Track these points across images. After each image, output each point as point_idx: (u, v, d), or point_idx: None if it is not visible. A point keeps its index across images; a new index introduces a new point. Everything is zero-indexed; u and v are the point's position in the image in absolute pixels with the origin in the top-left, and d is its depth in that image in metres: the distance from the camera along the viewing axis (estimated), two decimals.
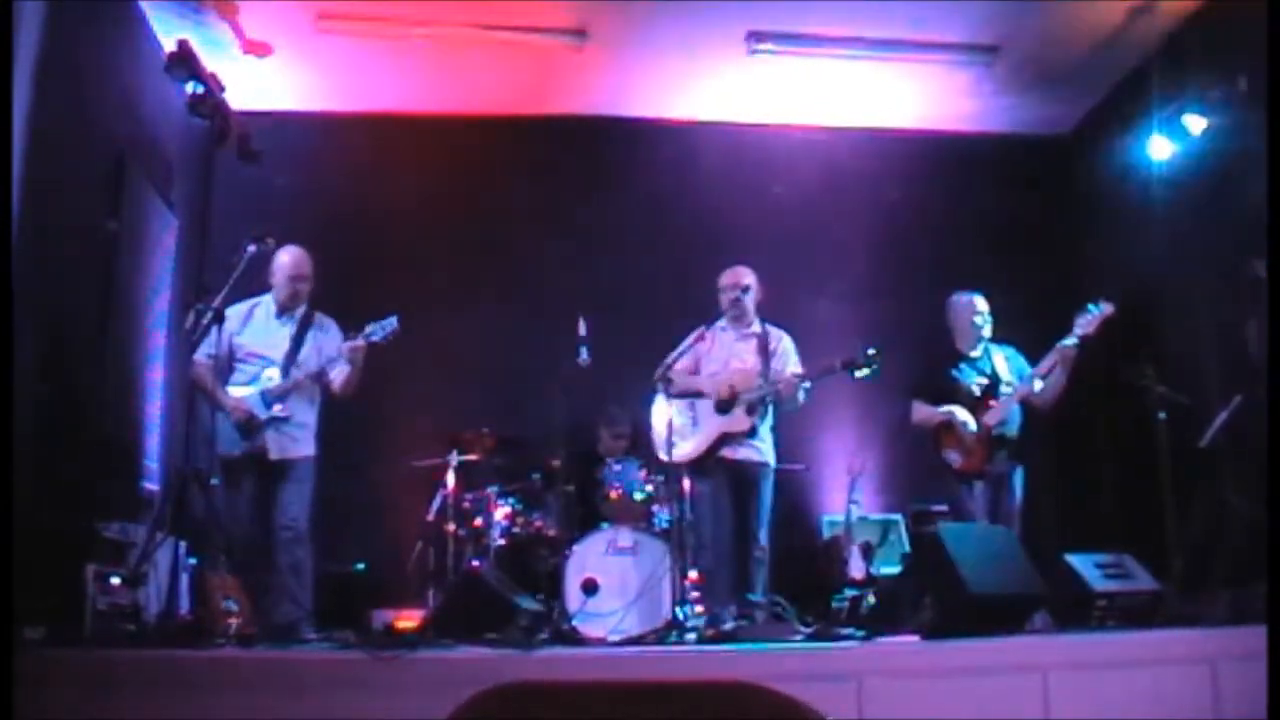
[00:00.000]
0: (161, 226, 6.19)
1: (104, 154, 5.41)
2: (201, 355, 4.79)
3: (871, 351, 4.86)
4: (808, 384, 5.08)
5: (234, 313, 4.89)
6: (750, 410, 5.14)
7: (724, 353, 5.25)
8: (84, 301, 5.15)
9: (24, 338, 3.88)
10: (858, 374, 4.88)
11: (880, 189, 7.38)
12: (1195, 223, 6.10)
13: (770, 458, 5.28)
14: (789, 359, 5.28)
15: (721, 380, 5.18)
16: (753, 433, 5.18)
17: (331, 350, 5.00)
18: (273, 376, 4.90)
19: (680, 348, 5.12)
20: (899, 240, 7.25)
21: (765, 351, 5.29)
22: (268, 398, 4.84)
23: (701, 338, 5.15)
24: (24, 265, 3.77)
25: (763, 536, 5.17)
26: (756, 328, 5.38)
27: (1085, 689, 3.38)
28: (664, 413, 5.03)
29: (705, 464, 5.11)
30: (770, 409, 5.26)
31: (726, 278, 5.39)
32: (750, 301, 5.30)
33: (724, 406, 5.13)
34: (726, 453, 5.15)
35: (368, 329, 4.91)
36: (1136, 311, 6.15)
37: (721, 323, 5.27)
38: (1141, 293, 6.47)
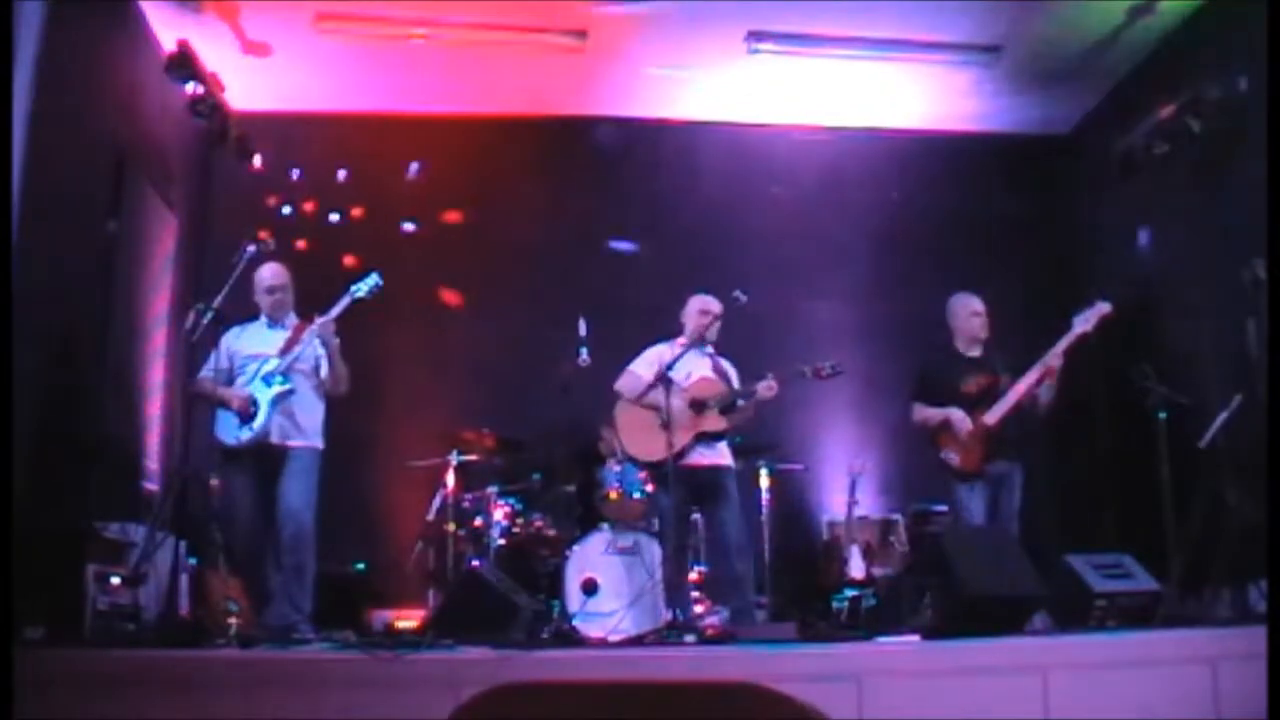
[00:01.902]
0: (161, 226, 6.20)
1: (104, 154, 5.41)
2: (204, 373, 4.83)
3: (834, 364, 5.30)
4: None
5: (230, 333, 4.95)
6: (723, 411, 5.25)
7: (685, 366, 5.31)
8: (84, 301, 5.15)
9: (24, 338, 3.88)
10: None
11: (880, 189, 7.39)
12: (1195, 222, 6.10)
13: (730, 460, 5.39)
14: (735, 384, 5.42)
15: (688, 389, 5.23)
16: (724, 434, 5.28)
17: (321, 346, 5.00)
18: (273, 364, 4.90)
19: (646, 359, 5.31)
20: (899, 240, 7.26)
21: (720, 372, 5.43)
22: (268, 379, 4.84)
23: (668, 348, 5.32)
24: (24, 265, 3.77)
25: (739, 534, 5.20)
26: (710, 351, 5.50)
27: (1085, 689, 3.38)
28: (631, 417, 5.22)
29: (669, 472, 5.11)
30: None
31: (699, 304, 5.49)
32: (715, 331, 5.43)
33: (697, 407, 5.19)
34: (694, 459, 5.20)
35: (351, 288, 4.91)
36: (1136, 311, 6.16)
37: (681, 338, 5.40)
38: (1141, 292, 6.48)
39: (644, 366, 5.33)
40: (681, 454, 5.15)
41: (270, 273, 5.08)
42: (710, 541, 5.40)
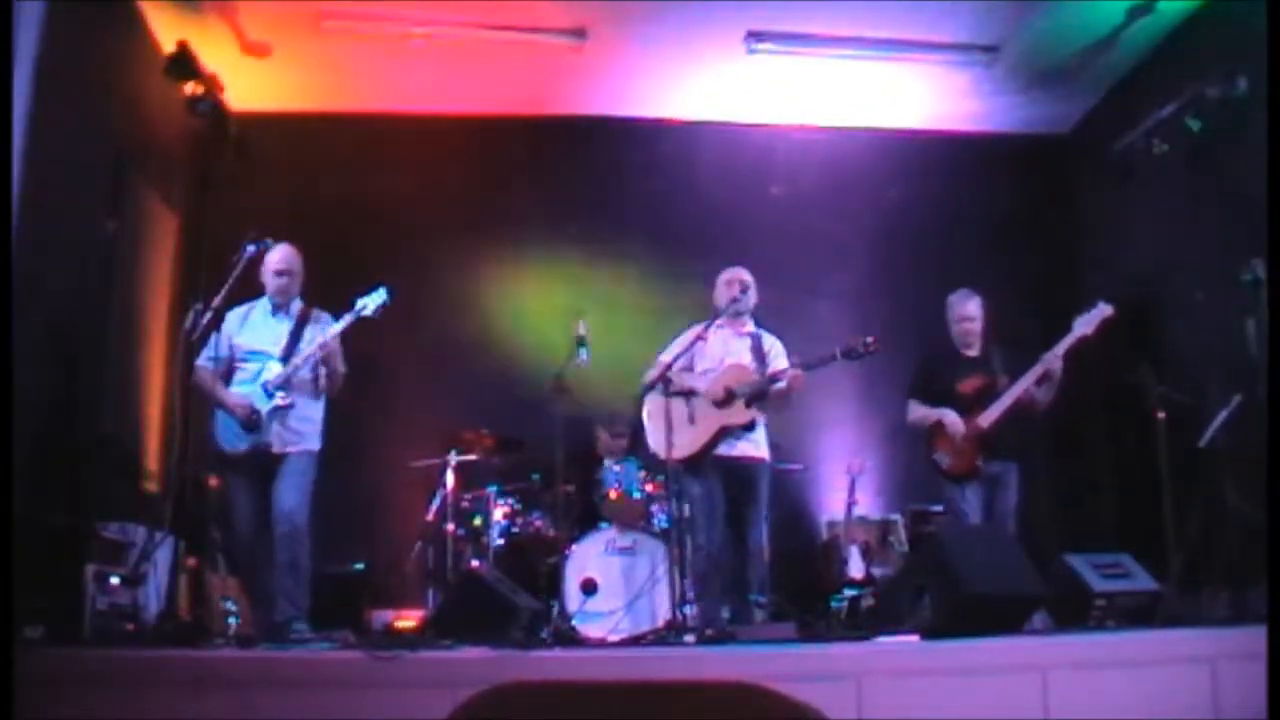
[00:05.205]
0: (161, 226, 6.20)
1: (104, 154, 5.41)
2: (203, 360, 4.79)
3: (870, 340, 4.88)
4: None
5: (232, 316, 4.89)
6: (749, 403, 5.08)
7: (720, 350, 5.21)
8: (84, 301, 5.14)
9: (24, 337, 3.88)
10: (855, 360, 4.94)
11: (880, 189, 7.39)
12: (1195, 222, 6.10)
13: (766, 453, 5.23)
14: (780, 363, 5.22)
15: (716, 378, 5.14)
16: (751, 426, 5.11)
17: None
18: (273, 369, 4.88)
19: (675, 345, 5.09)
20: (898, 240, 7.26)
21: (759, 352, 5.26)
22: (269, 389, 4.82)
23: (700, 337, 5.08)
24: (24, 265, 3.77)
25: (761, 536, 5.15)
26: (751, 328, 5.35)
27: (1084, 689, 3.37)
28: (659, 409, 4.84)
29: (701, 463, 5.06)
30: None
31: (726, 275, 5.34)
32: (750, 300, 5.27)
33: (723, 400, 5.09)
34: (724, 450, 5.09)
35: (358, 304, 4.88)
36: (1136, 311, 6.15)
37: (719, 320, 5.19)
38: (1141, 292, 6.48)
39: (671, 354, 5.08)
40: (707, 450, 5.04)
41: (280, 256, 4.99)
42: (721, 539, 5.18)
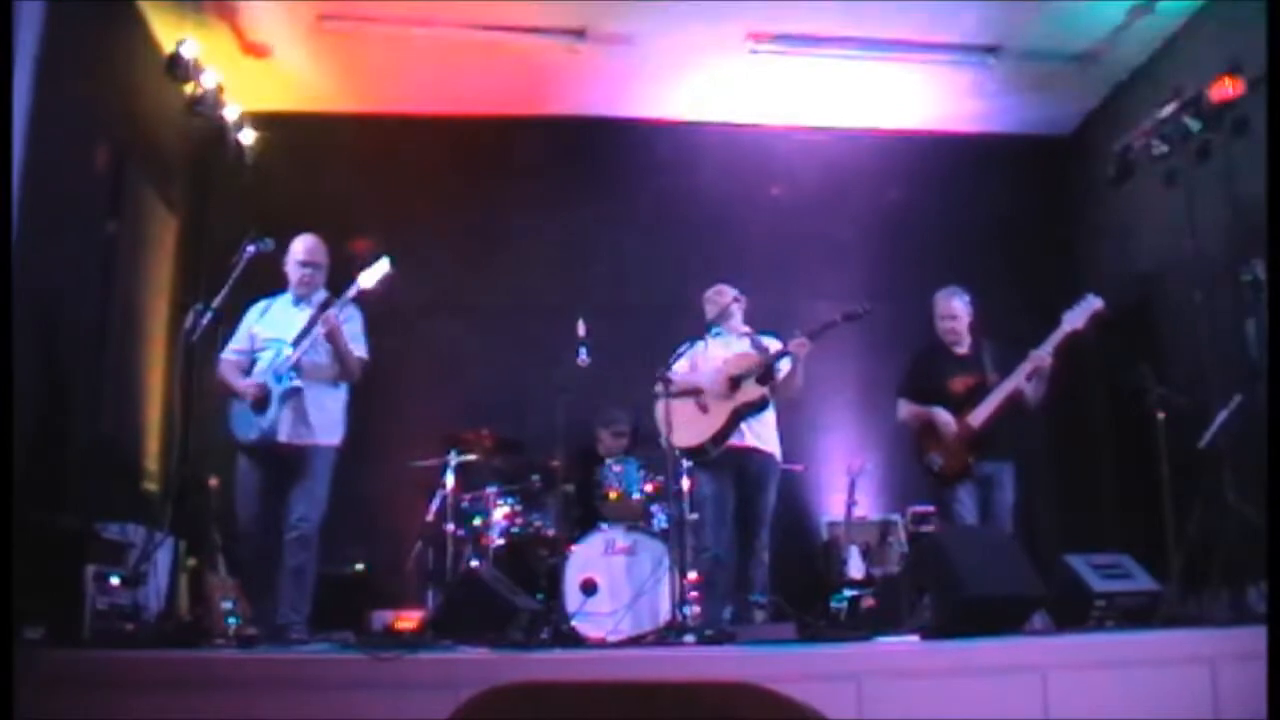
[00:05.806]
0: (161, 226, 6.20)
1: (104, 154, 5.41)
2: (227, 352, 4.77)
3: (867, 305, 5.11)
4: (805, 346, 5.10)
5: (254, 308, 4.90)
6: (760, 380, 5.13)
7: (721, 352, 5.25)
8: (84, 301, 5.14)
9: (24, 337, 3.88)
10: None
11: (880, 189, 7.38)
12: (1195, 222, 6.10)
13: (778, 450, 5.27)
14: (782, 362, 5.26)
15: (720, 370, 5.19)
16: (764, 404, 5.15)
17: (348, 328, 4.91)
18: (286, 354, 4.79)
19: (678, 353, 5.12)
20: (899, 240, 7.25)
21: (760, 350, 5.30)
22: (279, 372, 4.74)
23: (701, 339, 5.15)
24: (24, 265, 3.77)
25: (765, 536, 5.16)
26: (747, 332, 5.41)
27: (1084, 689, 3.37)
28: (669, 406, 4.88)
29: (712, 457, 5.08)
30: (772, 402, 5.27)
31: (712, 293, 5.43)
32: (739, 312, 5.34)
33: (732, 384, 5.13)
34: (736, 440, 5.13)
35: (360, 277, 4.81)
36: (1136, 311, 6.15)
37: (715, 329, 5.25)
38: (1141, 292, 6.48)
39: (678, 361, 5.12)
40: (724, 435, 5.09)
41: (305, 247, 4.95)
42: (729, 537, 5.18)
